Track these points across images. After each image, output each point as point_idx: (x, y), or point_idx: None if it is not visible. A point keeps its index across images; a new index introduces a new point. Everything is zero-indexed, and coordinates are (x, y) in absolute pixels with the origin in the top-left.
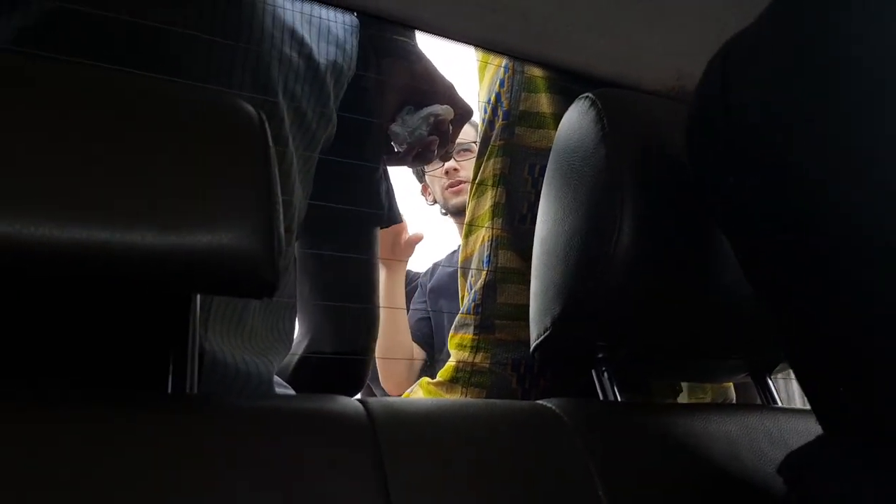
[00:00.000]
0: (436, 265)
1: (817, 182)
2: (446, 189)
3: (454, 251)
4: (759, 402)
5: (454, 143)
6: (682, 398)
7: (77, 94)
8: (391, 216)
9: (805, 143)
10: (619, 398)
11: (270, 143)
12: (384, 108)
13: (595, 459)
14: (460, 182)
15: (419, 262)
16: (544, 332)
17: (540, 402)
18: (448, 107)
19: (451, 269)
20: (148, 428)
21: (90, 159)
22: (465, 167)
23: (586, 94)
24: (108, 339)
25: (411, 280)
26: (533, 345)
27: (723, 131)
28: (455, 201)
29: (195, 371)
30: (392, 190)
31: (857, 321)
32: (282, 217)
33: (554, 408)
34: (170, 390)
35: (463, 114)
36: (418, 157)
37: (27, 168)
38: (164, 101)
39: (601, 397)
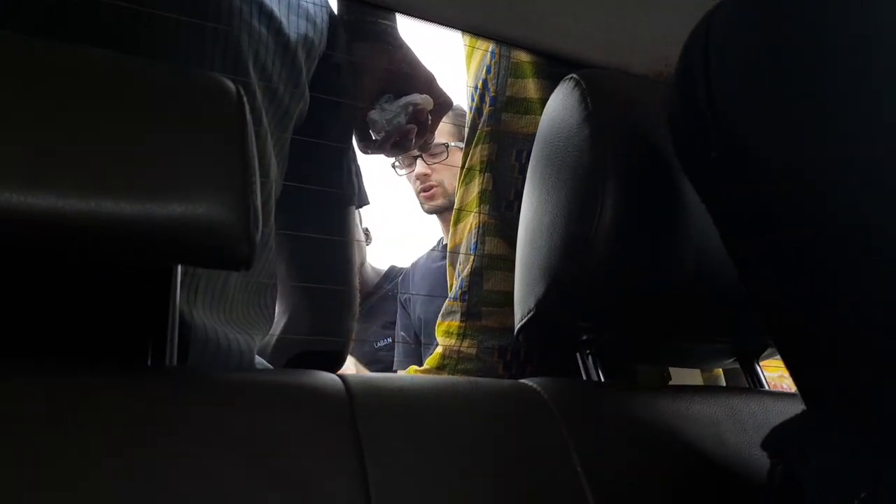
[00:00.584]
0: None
1: (795, 163)
2: (420, 194)
3: (437, 245)
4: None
5: (433, 133)
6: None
7: (52, 70)
8: (361, 198)
9: (784, 125)
10: (602, 379)
11: (248, 117)
12: (362, 93)
13: (574, 437)
14: (432, 187)
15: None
16: (528, 314)
17: (522, 381)
18: (427, 96)
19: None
20: (125, 398)
21: (67, 132)
22: (437, 169)
23: (571, 75)
24: (87, 311)
25: (393, 277)
26: (517, 326)
27: (704, 108)
28: (429, 205)
29: (174, 342)
30: (360, 171)
31: (836, 303)
32: (258, 190)
33: (535, 386)
34: (149, 362)
35: (443, 104)
36: (396, 146)
37: (1, 140)
38: (141, 76)
39: (584, 378)
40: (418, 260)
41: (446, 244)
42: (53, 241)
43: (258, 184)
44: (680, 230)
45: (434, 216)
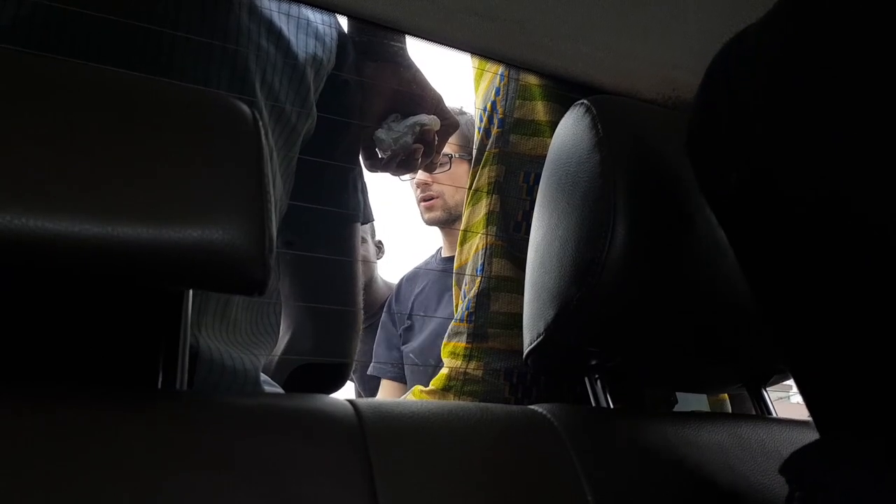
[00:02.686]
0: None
1: (823, 187)
2: (420, 203)
3: (434, 255)
4: (753, 413)
5: (439, 153)
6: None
7: (69, 90)
8: (366, 214)
9: (813, 148)
10: (611, 406)
11: (264, 142)
12: (369, 112)
13: (585, 465)
14: (432, 197)
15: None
16: (537, 338)
17: (532, 407)
18: (435, 117)
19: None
20: (137, 424)
21: (84, 154)
22: (439, 179)
23: (582, 101)
24: (98, 334)
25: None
26: (526, 350)
27: (727, 127)
28: (427, 216)
29: (185, 367)
30: (366, 188)
31: (860, 321)
32: (274, 215)
33: (545, 413)
34: (160, 386)
35: (449, 125)
36: (402, 165)
37: (20, 162)
38: (157, 98)
39: (594, 405)
40: (416, 271)
41: (445, 256)
42: (69, 265)
43: (273, 209)
44: (689, 256)
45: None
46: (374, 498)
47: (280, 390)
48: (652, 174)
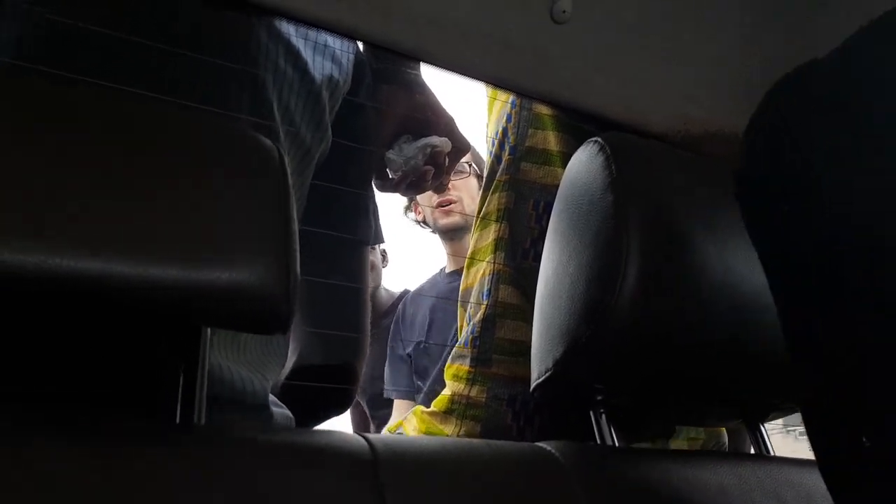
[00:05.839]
0: (416, 294)
1: (871, 222)
2: (436, 209)
3: (439, 272)
4: (750, 447)
5: (449, 175)
6: (678, 439)
7: (94, 117)
8: (377, 236)
9: (870, 176)
10: (616, 440)
11: (289, 180)
12: (381, 133)
13: (592, 503)
14: (450, 202)
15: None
16: (545, 373)
17: (539, 444)
18: (446, 139)
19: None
20: (156, 459)
21: (110, 188)
22: (457, 187)
23: (595, 139)
24: (118, 366)
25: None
26: (533, 384)
27: (785, 160)
28: (444, 222)
29: (203, 401)
30: (378, 210)
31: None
32: (298, 254)
33: (553, 451)
34: (178, 419)
35: (461, 147)
36: (412, 186)
37: (46, 197)
38: (184, 129)
39: (598, 439)
40: (419, 290)
41: (450, 272)
42: (91, 300)
43: (297, 248)
44: (695, 299)
45: (438, 239)
46: None
47: (287, 411)
48: (664, 217)
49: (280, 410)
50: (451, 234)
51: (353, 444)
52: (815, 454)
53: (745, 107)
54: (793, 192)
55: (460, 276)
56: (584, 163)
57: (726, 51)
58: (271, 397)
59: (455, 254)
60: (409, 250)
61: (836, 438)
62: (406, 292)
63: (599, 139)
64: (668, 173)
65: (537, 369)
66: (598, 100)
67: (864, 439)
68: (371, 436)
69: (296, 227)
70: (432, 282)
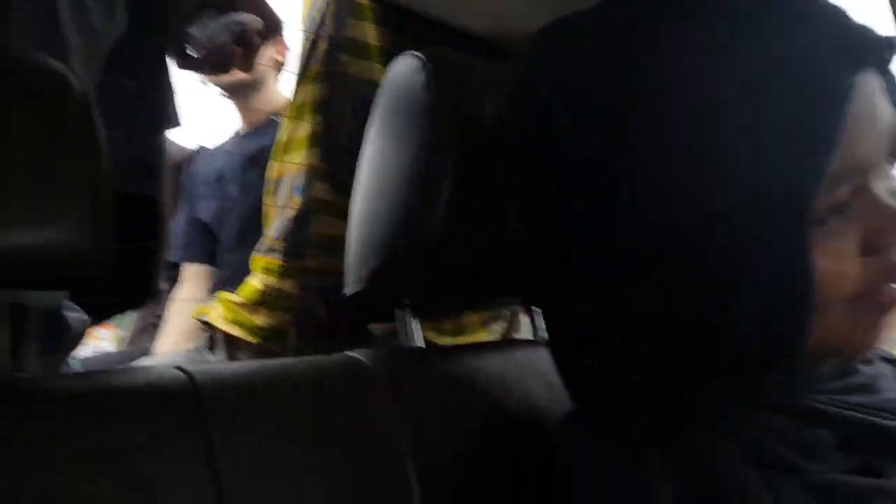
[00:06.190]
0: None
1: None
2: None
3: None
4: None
5: (257, 56)
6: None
7: None
8: (174, 119)
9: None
10: (421, 336)
11: (96, 128)
12: (181, 5)
13: (404, 406)
14: None
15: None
16: (359, 282)
17: (351, 353)
18: (256, 17)
19: (237, 156)
20: None
21: None
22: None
23: (417, 54)
24: None
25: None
26: (348, 291)
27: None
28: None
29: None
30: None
31: (613, 312)
32: (111, 209)
33: (363, 359)
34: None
35: (273, 27)
36: (216, 66)
37: None
38: None
39: (405, 335)
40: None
41: (245, 134)
42: None
43: (111, 203)
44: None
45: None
46: (217, 473)
47: (82, 314)
48: (480, 136)
49: (75, 315)
50: (237, 92)
51: (174, 381)
52: (547, 331)
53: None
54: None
55: (257, 138)
56: (404, 77)
57: None
58: (64, 301)
59: (246, 114)
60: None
61: (559, 317)
62: (200, 149)
63: (421, 56)
64: (486, 91)
65: (352, 276)
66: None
67: (588, 366)
68: (192, 370)
69: (108, 176)
70: (227, 145)
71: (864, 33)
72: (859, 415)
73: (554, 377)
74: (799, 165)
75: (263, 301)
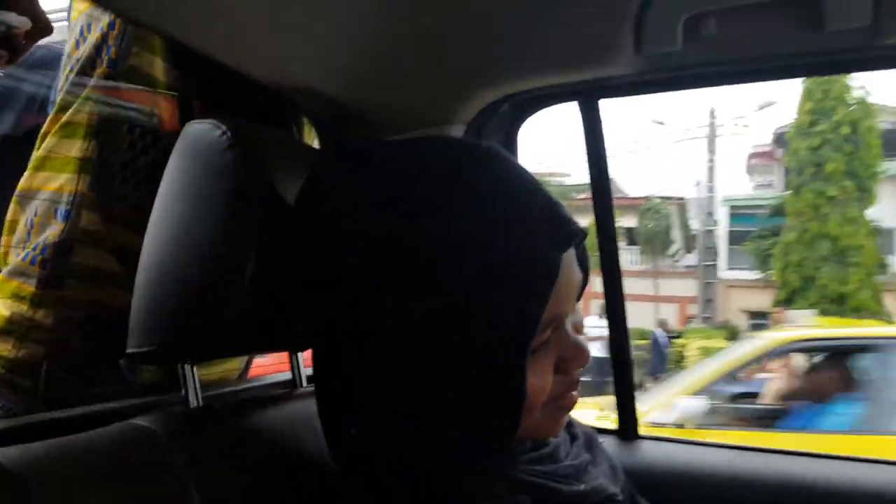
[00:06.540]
0: None
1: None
2: None
3: None
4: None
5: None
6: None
7: None
8: None
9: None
10: (199, 394)
11: None
12: None
13: (189, 468)
14: None
15: None
16: (147, 347)
17: (135, 421)
18: (26, 18)
19: None
20: None
21: None
22: None
23: (220, 126)
24: None
25: None
26: (131, 350)
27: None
28: None
29: None
30: None
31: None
32: None
33: (149, 425)
34: None
35: (43, 29)
36: None
37: None
38: None
39: (184, 392)
40: None
41: None
42: None
43: None
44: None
45: None
46: None
47: None
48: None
49: None
50: None
51: None
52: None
53: (344, 74)
54: None
55: None
56: (206, 147)
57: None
58: None
59: None
60: None
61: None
62: None
63: (225, 129)
64: (282, 160)
65: (137, 339)
66: (202, 39)
67: (352, 430)
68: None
69: None
70: None
71: (569, 224)
72: (548, 482)
73: (318, 424)
74: (521, 318)
75: (11, 331)
